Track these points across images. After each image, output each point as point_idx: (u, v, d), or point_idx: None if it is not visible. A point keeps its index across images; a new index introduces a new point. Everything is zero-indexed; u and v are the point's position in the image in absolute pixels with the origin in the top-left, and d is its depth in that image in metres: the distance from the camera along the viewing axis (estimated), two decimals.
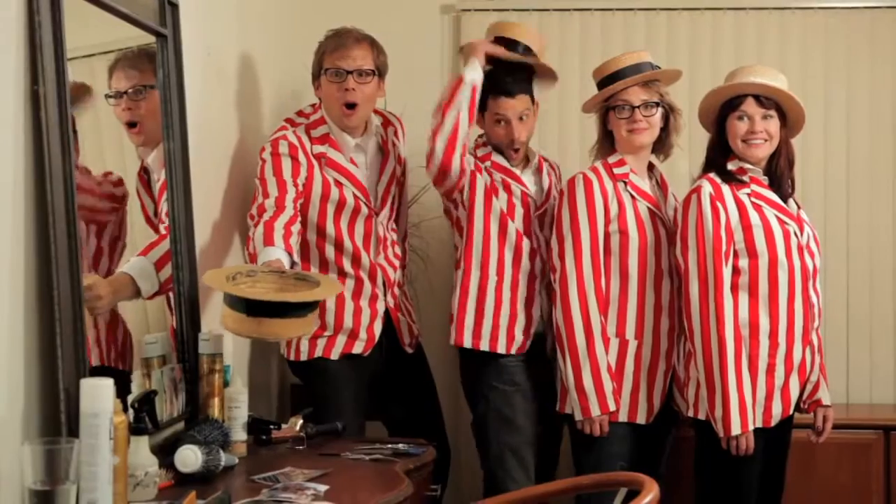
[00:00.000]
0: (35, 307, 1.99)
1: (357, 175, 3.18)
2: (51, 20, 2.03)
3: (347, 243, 3.14)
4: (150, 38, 2.59)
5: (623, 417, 3.08)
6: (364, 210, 3.18)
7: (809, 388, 3.11)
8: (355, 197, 3.16)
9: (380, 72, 3.18)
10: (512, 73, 3.24)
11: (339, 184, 3.14)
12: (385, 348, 3.25)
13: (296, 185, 3.02)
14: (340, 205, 3.14)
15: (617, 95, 3.14)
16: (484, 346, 3.21)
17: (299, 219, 2.98)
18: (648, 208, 3.14)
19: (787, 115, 3.10)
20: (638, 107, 3.12)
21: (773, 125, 3.06)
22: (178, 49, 2.68)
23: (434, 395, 3.41)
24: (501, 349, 3.21)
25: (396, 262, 3.27)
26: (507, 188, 3.25)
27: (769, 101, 3.06)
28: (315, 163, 3.12)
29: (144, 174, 2.61)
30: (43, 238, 2.00)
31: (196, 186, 2.75)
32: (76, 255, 2.06)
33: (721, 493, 3.04)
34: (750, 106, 3.05)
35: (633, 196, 3.12)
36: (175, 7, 2.67)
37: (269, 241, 2.78)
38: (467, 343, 3.23)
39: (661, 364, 3.11)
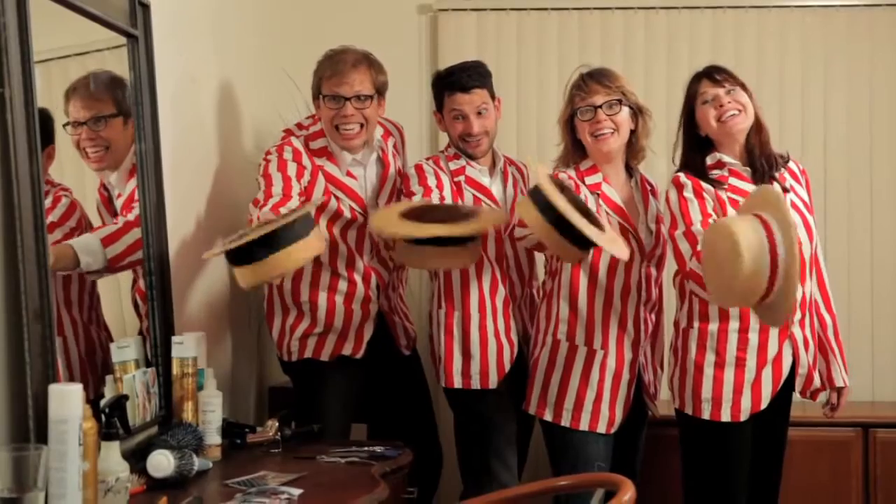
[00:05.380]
0: (3, 311, 1.96)
1: (355, 188, 3.17)
2: (17, 21, 2.01)
3: (342, 246, 3.14)
4: (122, 40, 2.57)
5: (584, 427, 3.05)
6: (360, 219, 3.17)
7: (800, 381, 3.01)
8: (352, 210, 3.15)
9: (379, 91, 3.15)
10: (467, 69, 3.21)
11: (336, 197, 3.14)
12: (379, 351, 3.22)
13: (299, 183, 3.03)
14: (336, 215, 3.14)
15: (578, 100, 3.05)
16: (475, 384, 3.19)
17: None
18: (619, 223, 3.06)
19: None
20: (600, 106, 3.03)
21: (741, 96, 2.97)
22: (150, 50, 2.65)
23: (427, 398, 3.40)
24: (493, 385, 3.19)
25: (390, 263, 3.24)
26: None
27: (723, 75, 2.98)
28: (318, 171, 3.12)
29: (105, 191, 2.59)
30: (10, 241, 1.98)
31: (170, 190, 2.72)
32: (44, 260, 2.03)
33: (710, 489, 2.97)
34: (707, 87, 2.97)
35: (607, 213, 3.04)
36: (146, 8, 2.64)
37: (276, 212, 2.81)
38: (457, 384, 3.20)
39: (625, 374, 3.08)
